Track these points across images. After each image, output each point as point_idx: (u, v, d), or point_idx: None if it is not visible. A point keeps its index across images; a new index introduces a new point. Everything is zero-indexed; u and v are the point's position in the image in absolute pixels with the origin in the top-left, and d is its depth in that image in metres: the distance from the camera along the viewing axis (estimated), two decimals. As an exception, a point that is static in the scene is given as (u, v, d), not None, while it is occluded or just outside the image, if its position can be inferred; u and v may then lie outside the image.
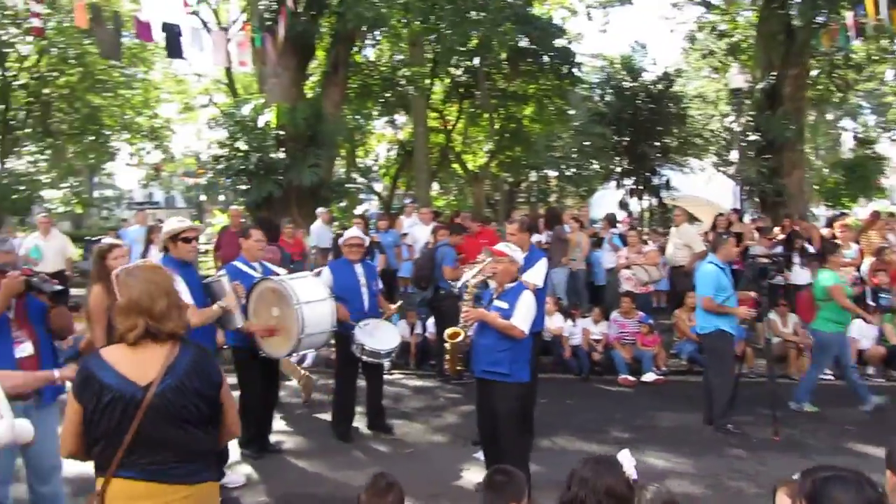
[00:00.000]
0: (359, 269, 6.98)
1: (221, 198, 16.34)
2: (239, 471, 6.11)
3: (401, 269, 12.23)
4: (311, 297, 5.94)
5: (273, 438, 6.78)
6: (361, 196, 28.89)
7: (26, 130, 24.22)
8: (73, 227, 30.32)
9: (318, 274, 6.24)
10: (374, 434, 7.14)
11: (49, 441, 4.30)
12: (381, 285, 7.45)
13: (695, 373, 9.68)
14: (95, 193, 36.50)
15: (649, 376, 9.32)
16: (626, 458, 2.78)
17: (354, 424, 7.15)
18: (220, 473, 2.99)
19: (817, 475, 2.14)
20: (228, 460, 5.86)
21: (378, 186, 29.74)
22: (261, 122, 14.55)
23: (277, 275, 6.35)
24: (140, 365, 2.74)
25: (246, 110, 15.28)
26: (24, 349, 4.22)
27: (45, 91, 24.29)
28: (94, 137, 25.54)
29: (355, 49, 18.73)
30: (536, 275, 6.14)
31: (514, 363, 5.35)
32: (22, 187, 19.97)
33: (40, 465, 4.43)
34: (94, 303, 4.81)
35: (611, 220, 12.86)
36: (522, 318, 5.27)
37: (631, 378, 9.33)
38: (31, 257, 10.50)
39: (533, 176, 32.56)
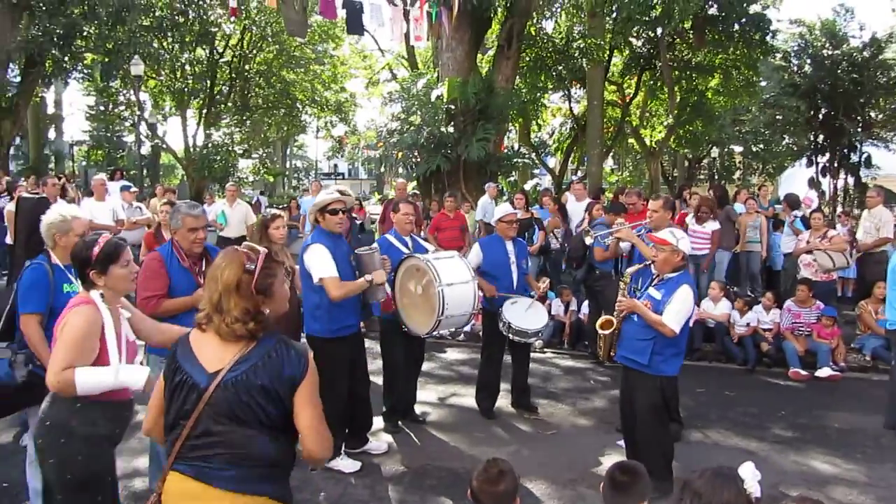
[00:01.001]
0: (510, 246, 6.90)
1: (401, 171, 16.77)
2: (382, 438, 6.28)
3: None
4: (454, 279, 5.92)
5: (419, 409, 6.90)
6: (535, 171, 28.73)
7: (228, 104, 26.21)
8: (263, 193, 32.48)
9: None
10: (518, 413, 7.06)
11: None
12: (529, 264, 7.32)
13: (879, 371, 8.83)
14: (288, 164, 38.79)
15: (824, 371, 8.53)
16: (750, 473, 2.45)
17: (499, 402, 7.11)
18: (286, 489, 2.66)
19: None
20: (371, 427, 6.06)
21: (552, 162, 29.41)
22: (433, 97, 14.77)
23: (426, 251, 6.42)
24: (217, 352, 2.55)
25: (420, 85, 15.60)
26: None
27: (246, 68, 26.13)
28: (286, 111, 27.16)
29: (532, 21, 18.51)
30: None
31: (657, 355, 5.14)
32: (219, 157, 21.63)
33: None
34: None
35: (791, 202, 11.85)
36: (675, 314, 5.03)
37: (803, 372, 8.59)
38: (217, 222, 11.38)
39: (715, 152, 30.91)
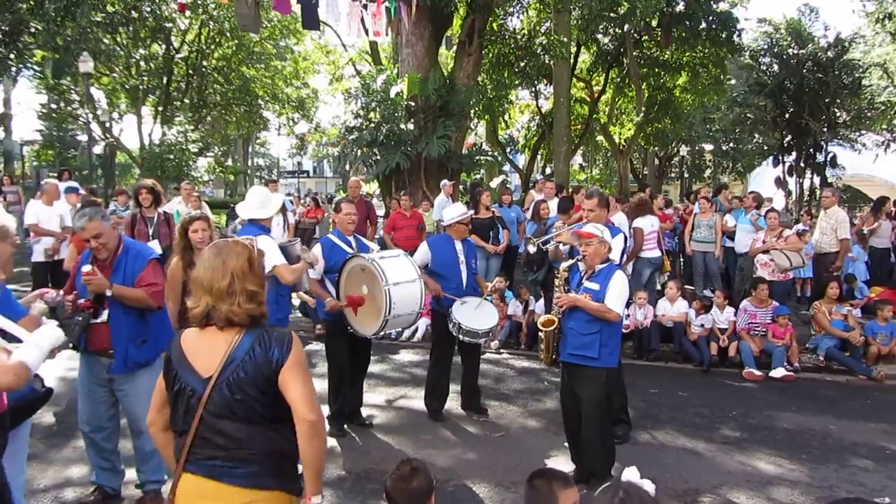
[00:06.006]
0: (459, 246, 6.96)
1: (363, 168, 16.81)
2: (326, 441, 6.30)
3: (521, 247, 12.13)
4: (401, 278, 5.99)
5: (365, 412, 6.94)
6: (504, 169, 28.87)
7: (184, 101, 26.02)
8: (226, 194, 32.25)
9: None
10: (468, 415, 7.12)
11: (136, 404, 4.63)
12: (478, 264, 7.40)
13: (832, 371, 9.06)
14: (250, 162, 38.55)
15: (778, 372, 8.71)
16: (633, 477, 2.49)
17: (449, 404, 7.18)
18: (296, 482, 2.81)
19: None
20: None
21: (521, 160, 29.56)
22: (392, 93, 14.81)
23: (370, 250, 6.48)
24: (207, 354, 2.72)
25: (380, 81, 15.62)
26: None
27: (203, 64, 25.95)
28: (246, 108, 27.03)
29: (494, 18, 18.61)
30: (612, 253, 5.98)
31: (604, 347, 5.29)
32: (172, 156, 21.47)
33: (130, 425, 4.87)
34: (169, 276, 5.07)
35: (757, 199, 12.11)
36: (616, 299, 5.23)
37: (757, 372, 8.76)
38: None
39: (685, 150, 31.38)
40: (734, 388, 8.52)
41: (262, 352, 2.69)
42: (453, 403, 7.28)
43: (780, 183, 20.44)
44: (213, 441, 2.67)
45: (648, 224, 9.95)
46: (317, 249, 6.32)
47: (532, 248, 5.99)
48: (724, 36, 20.53)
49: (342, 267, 6.20)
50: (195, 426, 2.67)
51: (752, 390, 8.40)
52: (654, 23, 19.77)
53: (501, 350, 9.83)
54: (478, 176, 21.11)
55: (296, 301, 9.80)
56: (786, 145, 21.31)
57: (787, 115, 20.97)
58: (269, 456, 2.71)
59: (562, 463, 5.83)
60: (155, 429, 2.91)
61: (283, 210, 11.53)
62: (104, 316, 4.51)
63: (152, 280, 4.59)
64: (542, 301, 9.77)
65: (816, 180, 20.99)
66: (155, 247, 8.72)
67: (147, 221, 9.11)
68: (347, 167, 18.89)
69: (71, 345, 4.36)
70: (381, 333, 6.39)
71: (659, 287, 10.68)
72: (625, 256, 7.05)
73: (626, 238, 6.94)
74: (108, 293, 4.40)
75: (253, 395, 2.66)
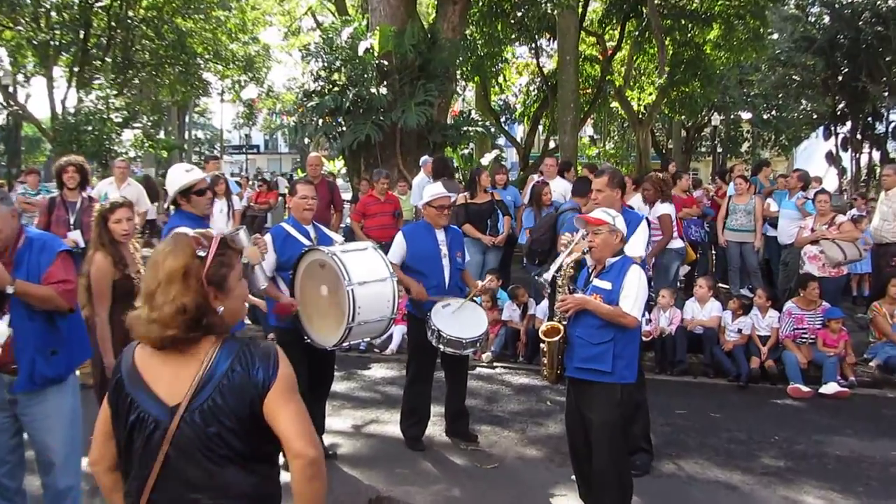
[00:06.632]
0: (441, 235, 6.93)
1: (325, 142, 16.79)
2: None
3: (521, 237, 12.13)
4: (368, 276, 5.95)
5: (328, 441, 6.90)
6: (499, 143, 28.87)
7: (106, 61, 25.81)
8: (158, 174, 32.05)
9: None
10: (453, 443, 7.12)
11: (45, 431, 4.58)
12: (466, 258, 7.35)
13: (894, 385, 9.14)
14: (187, 135, 38.36)
15: (830, 387, 8.77)
16: None
17: (431, 429, 7.17)
18: None
19: None
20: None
21: (519, 131, 29.64)
22: (361, 50, 14.74)
23: (332, 242, 6.44)
24: (172, 374, 2.60)
25: (346, 35, 15.53)
26: None
27: (129, 14, 25.73)
28: (182, 68, 26.84)
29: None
30: (635, 244, 6.03)
31: (620, 359, 5.25)
32: (91, 127, 21.29)
33: (38, 457, 4.78)
34: (96, 275, 5.01)
35: (803, 179, 12.14)
36: (633, 300, 5.18)
37: (804, 388, 8.82)
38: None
39: (717, 119, 31.47)
40: (777, 407, 8.57)
41: (243, 371, 2.58)
42: (436, 429, 7.26)
43: (832, 159, 20.60)
44: (181, 486, 2.56)
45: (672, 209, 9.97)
46: (267, 241, 6.27)
47: (546, 278, 5.87)
48: (764, -20, 20.62)
49: (297, 262, 6.15)
50: (157, 467, 2.56)
51: (799, 410, 8.45)
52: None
53: (494, 363, 9.84)
54: (466, 151, 21.06)
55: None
56: (839, 113, 21.47)
57: (840, 77, 21.10)
58: (253, 499, 2.62)
59: (568, 501, 5.83)
60: (100, 468, 2.80)
61: (228, 193, 11.46)
62: (4, 321, 4.45)
63: (62, 276, 4.52)
64: (544, 303, 9.76)
65: (876, 155, 21.16)
66: (76, 238, 8.67)
67: (68, 207, 9.04)
68: (306, 141, 18.82)
69: None
70: (346, 344, 6.35)
71: (680, 282, 10.69)
72: (649, 248, 7.06)
73: (650, 225, 6.94)
74: (10, 290, 4.32)
75: (231, 428, 2.56)
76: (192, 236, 2.67)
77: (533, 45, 24.56)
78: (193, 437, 2.54)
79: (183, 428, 2.53)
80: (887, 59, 20.15)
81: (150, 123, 25.64)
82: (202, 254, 2.62)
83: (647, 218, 6.70)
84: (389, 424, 7.50)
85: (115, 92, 23.88)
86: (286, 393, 2.62)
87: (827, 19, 21.42)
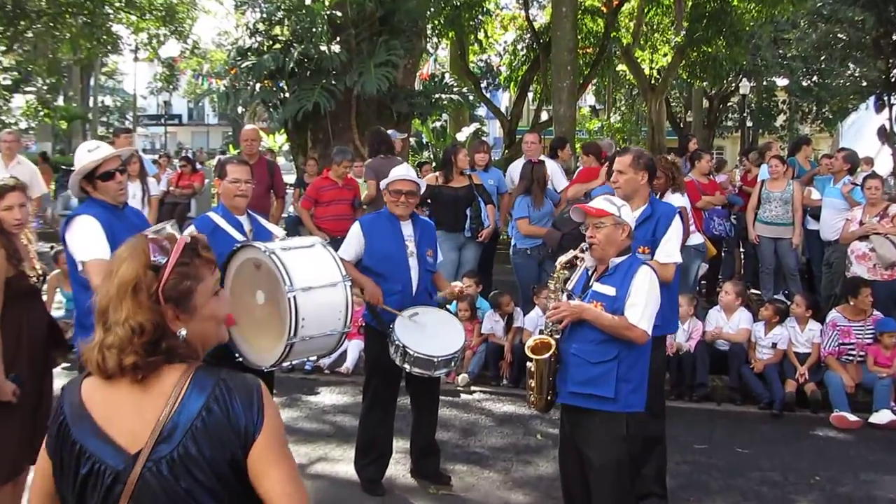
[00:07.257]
0: (407, 229, 6.89)
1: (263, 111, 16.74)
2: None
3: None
4: (315, 281, 5.85)
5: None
6: (479, 113, 28.88)
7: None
8: (56, 149, 31.84)
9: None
10: (421, 485, 7.07)
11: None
12: (438, 257, 7.28)
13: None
14: (92, 102, 38.15)
15: (882, 416, 8.80)
16: None
17: (392, 469, 7.12)
18: None
19: None
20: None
21: (504, 99, 29.65)
22: (307, -1, 14.71)
23: (272, 237, 6.33)
24: (134, 414, 2.50)
25: (289, -21, 15.49)
26: None
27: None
28: (86, 19, 26.63)
29: None
30: (669, 248, 5.99)
31: (624, 382, 5.22)
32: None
33: None
34: None
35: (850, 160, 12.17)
36: (643, 309, 5.15)
37: (851, 417, 8.83)
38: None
39: (747, 87, 31.65)
40: (818, 440, 8.58)
41: (221, 414, 2.48)
42: (399, 468, 7.25)
43: (886, 135, 20.69)
44: None
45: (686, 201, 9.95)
46: (190, 233, 6.16)
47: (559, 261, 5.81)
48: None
49: (227, 262, 6.04)
50: None
51: (844, 444, 8.46)
52: None
53: (472, 387, 9.82)
54: (438, 123, 21.03)
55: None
56: (893, 80, 21.60)
57: (894, 36, 21.25)
58: None
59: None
60: None
61: (143, 175, 11.34)
62: None
63: None
64: (533, 313, 9.71)
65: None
66: None
67: None
68: (240, 110, 18.77)
69: None
70: (287, 364, 6.25)
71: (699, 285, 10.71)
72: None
73: (684, 221, 6.85)
74: None
75: (208, 486, 2.46)
76: (152, 238, 2.54)
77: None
78: (160, 493, 2.44)
79: (148, 480, 2.43)
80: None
81: (45, 87, 25.39)
82: (160, 260, 2.50)
83: (680, 213, 6.58)
84: (341, 463, 7.47)
85: (2, 48, 23.69)
86: (275, 447, 2.53)
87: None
